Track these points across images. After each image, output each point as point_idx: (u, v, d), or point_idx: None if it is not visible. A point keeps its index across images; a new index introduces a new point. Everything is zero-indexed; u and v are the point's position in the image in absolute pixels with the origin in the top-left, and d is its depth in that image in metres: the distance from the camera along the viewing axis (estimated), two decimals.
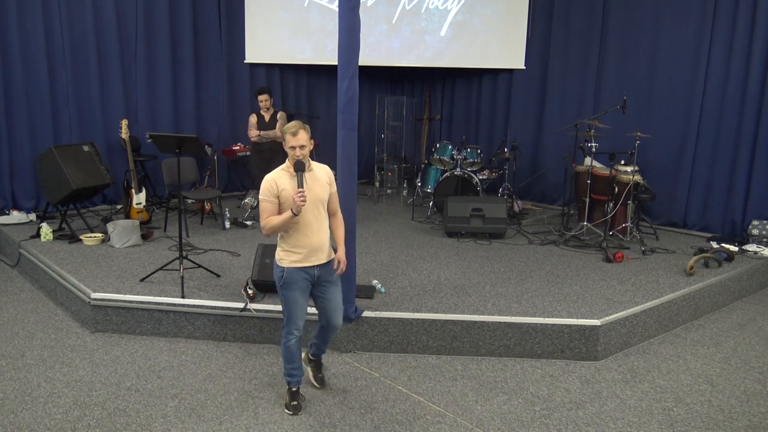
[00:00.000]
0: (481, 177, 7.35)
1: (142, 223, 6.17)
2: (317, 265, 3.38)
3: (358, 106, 3.94)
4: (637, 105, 7.15)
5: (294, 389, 3.54)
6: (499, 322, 4.22)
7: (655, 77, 7.13)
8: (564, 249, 6.12)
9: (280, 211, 3.29)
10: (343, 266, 3.45)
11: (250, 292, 4.43)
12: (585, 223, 6.32)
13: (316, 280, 3.41)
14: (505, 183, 7.61)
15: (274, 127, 6.29)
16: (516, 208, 7.43)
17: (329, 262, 3.44)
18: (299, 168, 3.22)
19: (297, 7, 8.46)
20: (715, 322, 5.04)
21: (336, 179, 3.56)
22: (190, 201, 7.45)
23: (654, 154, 7.09)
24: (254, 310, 4.31)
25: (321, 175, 3.37)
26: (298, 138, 3.21)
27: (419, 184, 7.95)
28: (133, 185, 6.33)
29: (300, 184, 3.19)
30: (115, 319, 4.46)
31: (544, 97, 8.29)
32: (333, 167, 3.58)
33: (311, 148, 3.31)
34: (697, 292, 5.03)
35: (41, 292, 5.31)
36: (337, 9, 4.02)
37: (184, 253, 4.85)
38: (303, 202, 3.16)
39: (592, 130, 6.21)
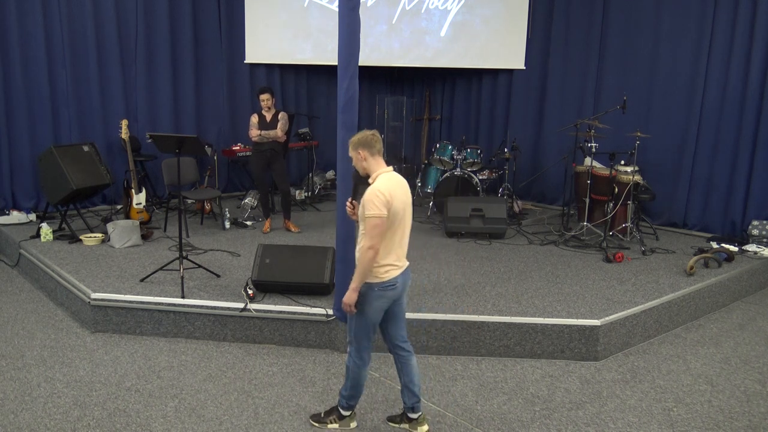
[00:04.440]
0: (481, 177, 7.35)
1: (142, 223, 6.17)
2: None
3: (358, 107, 3.94)
4: (637, 105, 7.14)
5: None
6: (499, 322, 4.22)
7: (655, 77, 7.12)
8: (564, 249, 6.12)
9: None
10: (344, 307, 3.07)
11: (250, 292, 4.43)
12: (585, 223, 6.32)
13: None
14: (505, 183, 7.61)
15: (276, 127, 6.27)
16: (516, 208, 7.43)
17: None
18: (355, 178, 3.26)
19: (297, 7, 8.46)
20: (715, 322, 5.04)
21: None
22: (190, 201, 7.44)
23: (654, 154, 7.08)
24: (254, 310, 4.31)
25: (364, 195, 3.05)
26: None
27: (419, 184, 7.95)
28: (133, 185, 6.33)
29: (353, 194, 3.25)
30: (115, 319, 4.46)
31: (544, 97, 8.29)
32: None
33: (365, 160, 3.09)
34: (697, 292, 5.03)
35: (41, 292, 5.31)
36: (337, 9, 4.02)
37: (184, 253, 4.85)
38: (348, 208, 3.20)
39: (592, 130, 6.21)
